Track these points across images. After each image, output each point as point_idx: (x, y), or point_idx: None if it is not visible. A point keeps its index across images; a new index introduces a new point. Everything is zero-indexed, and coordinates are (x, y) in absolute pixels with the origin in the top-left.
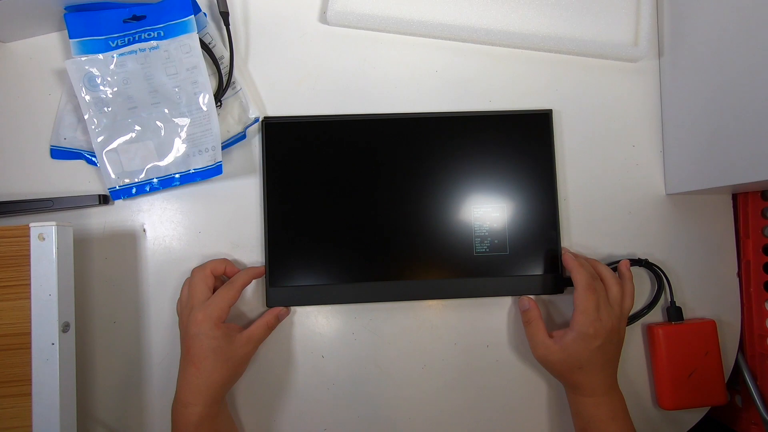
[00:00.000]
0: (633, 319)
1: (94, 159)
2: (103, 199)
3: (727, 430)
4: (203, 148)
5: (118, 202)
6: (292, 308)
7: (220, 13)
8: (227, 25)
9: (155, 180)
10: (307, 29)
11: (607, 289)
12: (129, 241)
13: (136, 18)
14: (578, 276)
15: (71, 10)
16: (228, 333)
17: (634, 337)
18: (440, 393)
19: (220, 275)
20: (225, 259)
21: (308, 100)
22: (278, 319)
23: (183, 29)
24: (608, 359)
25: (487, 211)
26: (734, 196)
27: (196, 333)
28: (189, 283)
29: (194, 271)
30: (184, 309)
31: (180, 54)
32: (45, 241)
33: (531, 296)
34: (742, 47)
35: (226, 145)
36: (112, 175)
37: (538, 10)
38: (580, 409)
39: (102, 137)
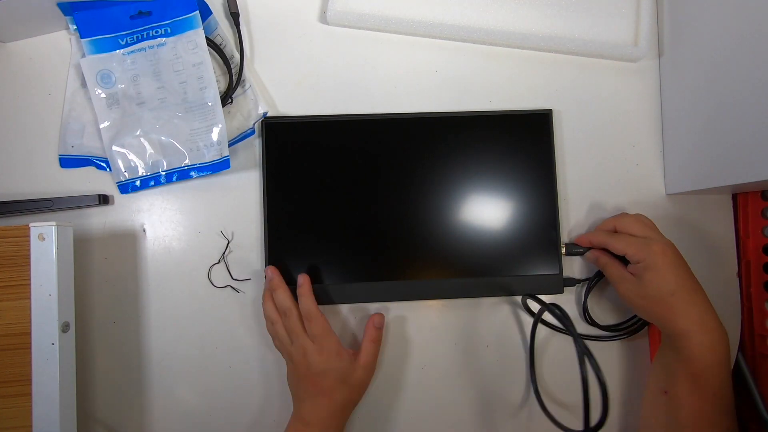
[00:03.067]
0: (635, 317)
1: (102, 164)
2: (103, 199)
3: None
4: (209, 142)
5: (118, 202)
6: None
7: (231, 14)
8: (238, 25)
9: (162, 174)
10: (307, 29)
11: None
12: (129, 241)
13: (141, 14)
14: (596, 239)
15: (67, 7)
16: (350, 360)
17: (637, 335)
18: (440, 393)
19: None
20: (276, 278)
21: (308, 100)
22: (377, 328)
23: (189, 25)
24: (695, 280)
25: (487, 210)
26: (734, 196)
27: (324, 369)
28: (279, 324)
29: (271, 309)
30: (292, 348)
31: (186, 50)
32: (45, 241)
33: (593, 250)
34: (742, 47)
35: (235, 141)
36: (121, 169)
37: (538, 10)
38: (693, 356)
39: (111, 133)
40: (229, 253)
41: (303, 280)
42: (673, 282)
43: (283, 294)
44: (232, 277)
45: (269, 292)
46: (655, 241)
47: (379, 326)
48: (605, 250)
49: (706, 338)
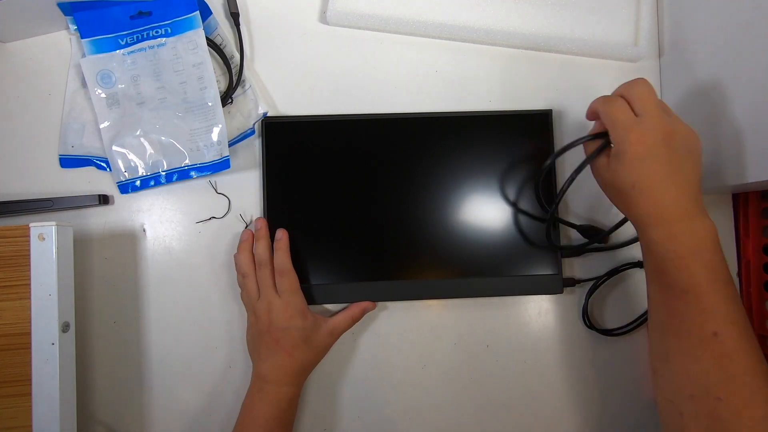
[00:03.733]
0: (639, 319)
1: (102, 164)
2: (103, 199)
3: None
4: (209, 142)
5: (118, 202)
6: None
7: (231, 14)
8: (238, 25)
9: (162, 174)
10: (307, 29)
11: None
12: (129, 241)
13: (141, 14)
14: (593, 105)
15: (67, 7)
16: (315, 322)
17: (638, 336)
18: (440, 393)
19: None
20: (249, 232)
21: (308, 100)
22: (364, 312)
23: (189, 25)
24: (673, 170)
25: (487, 210)
26: (734, 196)
27: (287, 326)
28: (251, 278)
29: (245, 262)
30: (258, 303)
31: (186, 50)
32: (45, 241)
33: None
34: (742, 47)
35: (236, 141)
36: (121, 169)
37: (538, 10)
38: (652, 249)
39: (111, 133)
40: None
41: (282, 235)
42: (636, 173)
43: (264, 245)
44: None
45: (247, 243)
46: (638, 126)
47: (365, 311)
48: None
49: (662, 231)
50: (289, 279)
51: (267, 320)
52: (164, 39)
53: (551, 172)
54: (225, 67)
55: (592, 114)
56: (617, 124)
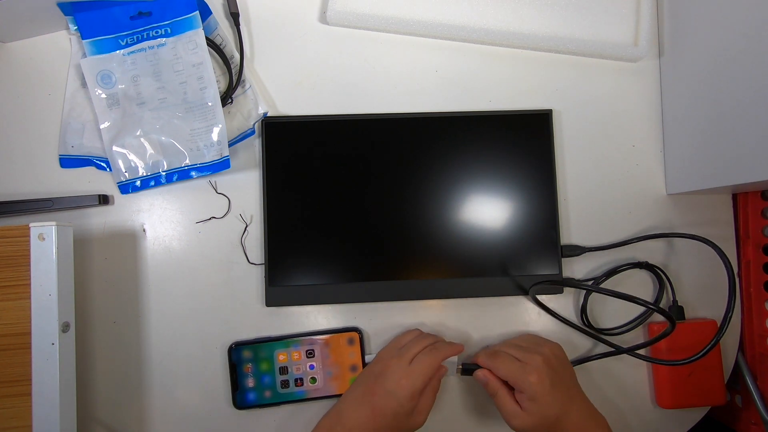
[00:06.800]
0: (637, 320)
1: (102, 164)
2: (103, 199)
3: (727, 430)
4: (209, 142)
5: (118, 202)
6: (292, 308)
7: (231, 14)
8: (238, 25)
9: (162, 174)
10: (307, 29)
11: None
12: (129, 241)
13: (141, 14)
14: (482, 360)
15: (68, 7)
16: (415, 410)
17: (636, 337)
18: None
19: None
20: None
21: (308, 100)
22: (439, 380)
23: (189, 25)
24: (568, 387)
25: (486, 210)
26: (734, 196)
27: (393, 391)
28: (415, 341)
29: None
30: (390, 360)
31: (186, 50)
32: (45, 241)
33: (484, 369)
34: (742, 47)
35: (236, 141)
36: (122, 169)
37: (538, 10)
38: None
39: (111, 133)
40: (246, 236)
41: (459, 348)
42: (556, 407)
43: (439, 340)
44: (248, 261)
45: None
46: (532, 368)
47: (440, 378)
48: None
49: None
50: (430, 360)
51: (382, 371)
52: (164, 39)
53: (551, 172)
54: (225, 67)
55: (480, 362)
56: (512, 371)
